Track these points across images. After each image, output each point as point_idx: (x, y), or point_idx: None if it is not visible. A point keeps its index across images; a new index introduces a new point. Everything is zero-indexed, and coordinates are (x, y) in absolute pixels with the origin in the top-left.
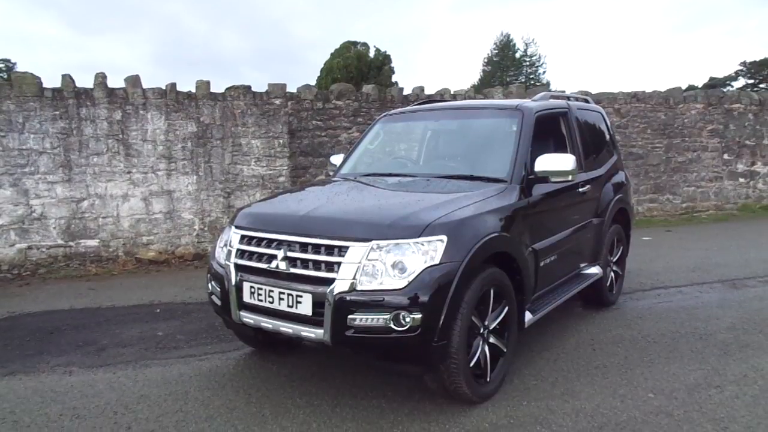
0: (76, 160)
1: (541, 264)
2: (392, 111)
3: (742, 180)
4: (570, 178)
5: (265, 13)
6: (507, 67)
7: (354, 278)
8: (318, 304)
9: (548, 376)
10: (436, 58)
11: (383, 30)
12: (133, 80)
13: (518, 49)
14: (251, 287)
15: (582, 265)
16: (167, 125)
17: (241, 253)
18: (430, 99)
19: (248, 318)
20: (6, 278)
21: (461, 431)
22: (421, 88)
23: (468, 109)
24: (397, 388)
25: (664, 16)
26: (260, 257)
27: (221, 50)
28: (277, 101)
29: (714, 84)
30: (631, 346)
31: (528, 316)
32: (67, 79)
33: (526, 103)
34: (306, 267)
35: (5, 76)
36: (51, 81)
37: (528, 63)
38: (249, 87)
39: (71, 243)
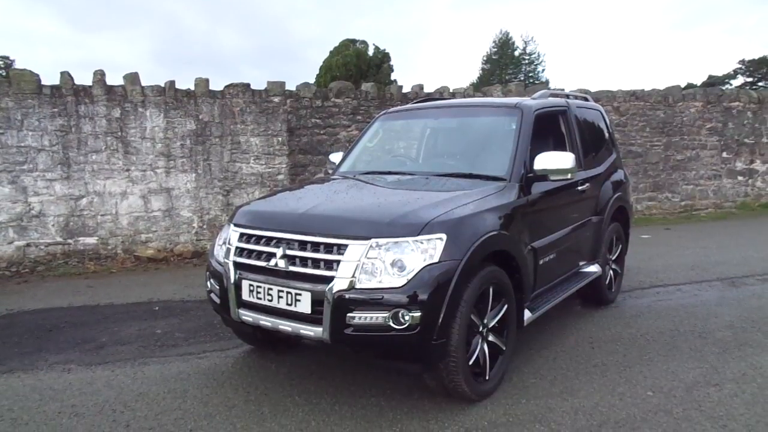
0: (74, 158)
1: (540, 262)
2: (391, 109)
3: (740, 178)
4: (569, 176)
5: (264, 11)
6: (506, 65)
7: (353, 276)
8: (317, 302)
9: (547, 374)
10: (435, 56)
11: (382, 28)
12: (132, 78)
13: (517, 47)
14: (250, 285)
15: (581, 263)
16: (166, 123)
17: (240, 251)
18: (430, 97)
19: (247, 316)
20: (4, 276)
21: (460, 429)
22: (421, 86)
23: (467, 108)
24: (396, 386)
25: (663, 13)
26: (259, 255)
27: (220, 48)
28: (276, 99)
29: (713, 82)
30: (630, 344)
31: (527, 314)
32: (65, 76)
33: (526, 101)
34: (305, 265)
35: (4, 73)
36: (50, 78)
37: (527, 61)
38: (248, 85)
39: (70, 240)
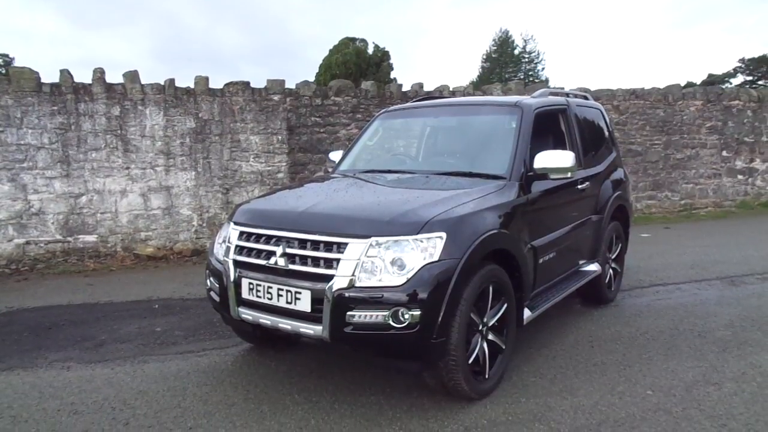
0: (74, 156)
1: (540, 261)
2: (391, 107)
3: (740, 177)
4: (569, 175)
5: (263, 9)
6: (506, 63)
7: (353, 275)
8: (317, 300)
9: (547, 373)
10: (435, 55)
11: (382, 26)
12: (132, 76)
13: (517, 45)
14: (250, 283)
15: (581, 262)
16: (166, 121)
17: (240, 250)
18: (429, 96)
19: (247, 314)
20: (4, 273)
21: (460, 428)
22: (420, 85)
23: (467, 106)
24: (396, 384)
25: (663, 12)
26: (259, 253)
27: (220, 46)
28: (276, 97)
29: (712, 81)
30: (629, 343)
31: (527, 313)
32: (65, 74)
33: (526, 99)
34: (305, 263)
35: (3, 71)
36: (49, 76)
37: (527, 59)
38: (248, 83)
39: (69, 238)
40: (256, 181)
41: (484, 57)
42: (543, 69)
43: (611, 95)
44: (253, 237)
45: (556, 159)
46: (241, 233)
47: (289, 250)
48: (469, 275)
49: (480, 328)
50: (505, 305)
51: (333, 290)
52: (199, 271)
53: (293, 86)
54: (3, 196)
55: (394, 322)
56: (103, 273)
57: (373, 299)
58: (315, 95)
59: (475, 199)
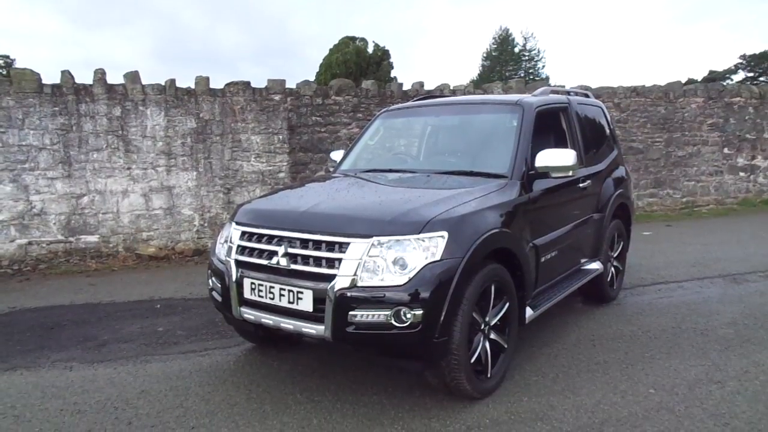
0: (75, 156)
1: (542, 260)
2: (392, 107)
3: (742, 174)
4: (570, 173)
5: (263, 9)
6: (506, 61)
7: (355, 274)
8: (319, 300)
9: (549, 372)
10: (435, 53)
11: (382, 25)
12: (133, 76)
13: (517, 43)
14: (252, 283)
15: (582, 260)
16: (167, 121)
17: (242, 250)
18: (430, 94)
19: (249, 314)
20: (6, 274)
21: (462, 427)
22: (421, 84)
23: (468, 105)
24: (398, 384)
25: (664, 8)
26: (261, 253)
27: (220, 46)
28: (277, 97)
29: (713, 77)
30: (631, 341)
31: (529, 312)
32: (66, 75)
33: (527, 98)
34: (307, 263)
35: (4, 72)
36: (50, 77)
37: (527, 57)
38: (248, 83)
39: (71, 239)
40: (257, 180)
41: (485, 55)
42: (543, 67)
43: (612, 93)
44: (255, 237)
45: (557, 157)
46: (243, 233)
47: (291, 250)
48: (471, 274)
49: (482, 327)
50: (507, 304)
51: (335, 290)
52: (201, 270)
53: (294, 86)
54: (5, 196)
55: (396, 321)
56: (105, 273)
57: (375, 299)
58: (316, 95)
59: (477, 198)
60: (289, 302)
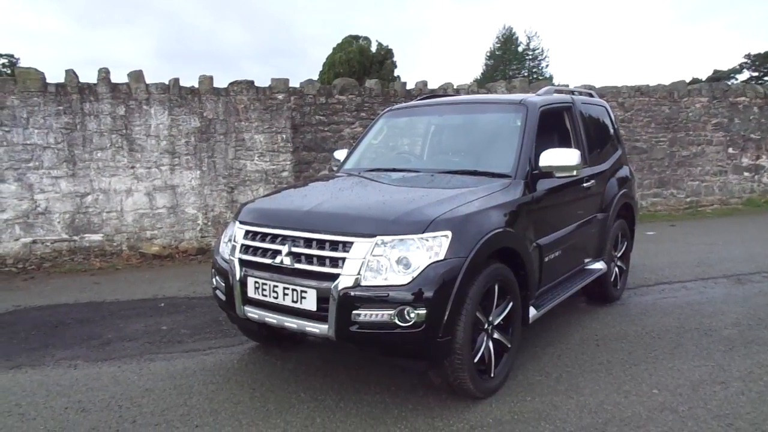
0: (80, 155)
1: (546, 259)
2: (396, 106)
3: (746, 174)
4: (574, 173)
5: (266, 7)
6: (509, 60)
7: (358, 274)
8: (322, 299)
9: (552, 371)
10: (438, 52)
11: (385, 24)
12: (137, 75)
13: (521, 42)
14: (256, 282)
15: (586, 260)
16: (170, 120)
17: (246, 249)
18: (434, 94)
19: (252, 313)
20: (11, 272)
21: (465, 426)
22: (424, 83)
23: (472, 104)
24: (401, 383)
25: (668, 7)
26: (264, 252)
27: (223, 45)
28: (280, 96)
29: (718, 77)
30: (635, 341)
31: (532, 311)
32: (70, 74)
33: (531, 97)
34: (310, 262)
35: (9, 72)
36: (54, 76)
37: (531, 57)
38: (252, 82)
39: (75, 237)
40: (260, 179)
41: (488, 54)
42: (547, 66)
43: (616, 92)
44: (259, 236)
45: (561, 157)
46: (247, 232)
47: (294, 249)
48: (475, 274)
49: (485, 326)
50: (511, 304)
51: (339, 289)
52: (205, 269)
53: (297, 85)
54: (10, 195)
55: (399, 320)
56: (109, 272)
57: (378, 298)
58: (319, 94)
59: (481, 197)
60: (293, 301)
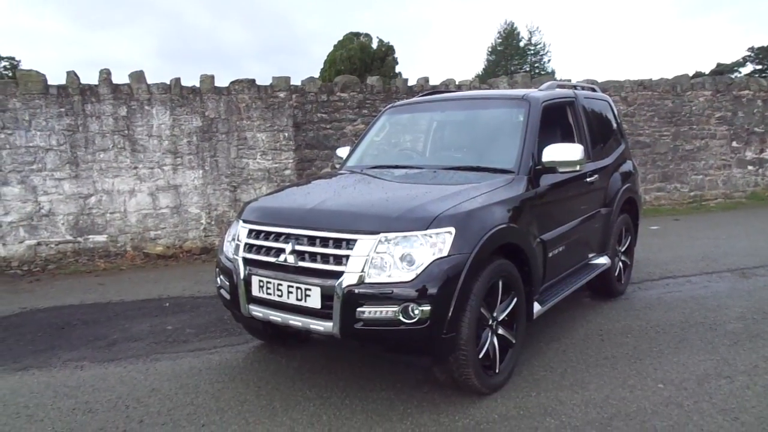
0: (82, 157)
1: (550, 255)
2: (398, 102)
3: (750, 168)
4: (578, 168)
5: (267, 6)
6: (511, 56)
7: (362, 271)
8: (327, 297)
9: (557, 367)
10: (440, 48)
11: (386, 20)
12: (138, 76)
13: (522, 37)
14: (260, 281)
15: (590, 255)
16: (172, 120)
17: (249, 247)
18: (436, 90)
19: (257, 311)
20: (16, 274)
21: (470, 422)
22: (426, 79)
23: (474, 100)
24: (407, 379)
25: (671, 1)
26: (268, 251)
27: (224, 44)
28: (282, 94)
29: (721, 70)
30: (640, 336)
31: (536, 307)
32: (71, 75)
33: (533, 92)
34: (314, 260)
35: (10, 74)
36: (56, 78)
37: (532, 52)
38: (253, 80)
39: (79, 239)
40: (263, 178)
41: (490, 50)
42: (549, 61)
43: (619, 87)
44: (263, 234)
45: (564, 152)
46: (251, 231)
47: (298, 247)
48: (479, 270)
49: (490, 322)
50: (515, 299)
51: (343, 286)
52: (209, 268)
53: (298, 83)
54: (14, 198)
55: (404, 317)
56: (114, 272)
57: (382, 295)
58: (320, 91)
59: (484, 193)
60: (297, 299)
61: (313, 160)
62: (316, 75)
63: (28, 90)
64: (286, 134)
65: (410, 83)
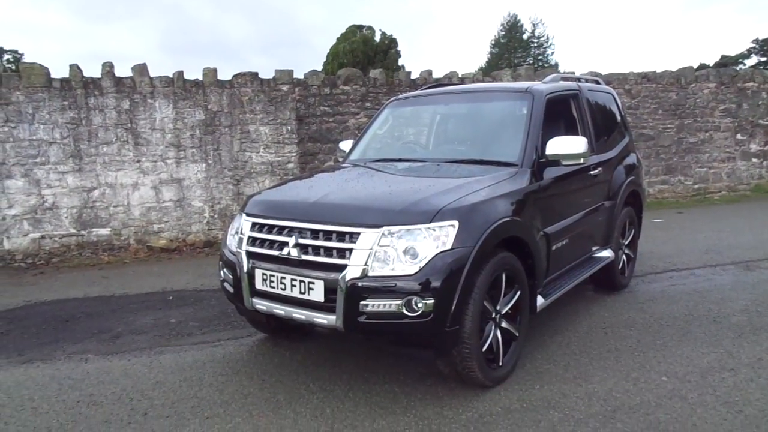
0: (86, 150)
1: (553, 248)
2: (401, 95)
3: (755, 160)
4: (581, 161)
5: None
6: (515, 48)
7: (366, 264)
8: (330, 290)
9: (560, 360)
10: (443, 41)
11: (389, 13)
12: (140, 69)
13: (526, 30)
14: (263, 274)
15: (594, 248)
16: (175, 113)
17: (253, 241)
18: (439, 83)
19: (261, 305)
20: (20, 267)
21: (474, 415)
22: (429, 72)
23: (477, 93)
24: (410, 372)
25: None
26: (272, 244)
27: (227, 37)
28: (285, 87)
29: (726, 62)
30: (643, 329)
31: (540, 300)
32: (74, 69)
33: (537, 85)
34: (318, 254)
35: (13, 67)
36: (59, 71)
37: (536, 44)
38: (256, 74)
39: (83, 232)
40: (266, 171)
41: (493, 42)
42: (552, 53)
43: (623, 79)
44: (266, 228)
45: (568, 145)
46: (254, 224)
47: (301, 241)
48: (482, 263)
49: (493, 315)
50: (518, 293)
51: (346, 280)
52: (212, 262)
53: (301, 76)
54: (17, 191)
55: (407, 310)
56: (118, 266)
57: (386, 288)
58: (323, 84)
59: (487, 186)
60: (301, 293)
61: (316, 154)
62: (319, 68)
63: (32, 83)
64: (289, 127)
65: (413, 76)
